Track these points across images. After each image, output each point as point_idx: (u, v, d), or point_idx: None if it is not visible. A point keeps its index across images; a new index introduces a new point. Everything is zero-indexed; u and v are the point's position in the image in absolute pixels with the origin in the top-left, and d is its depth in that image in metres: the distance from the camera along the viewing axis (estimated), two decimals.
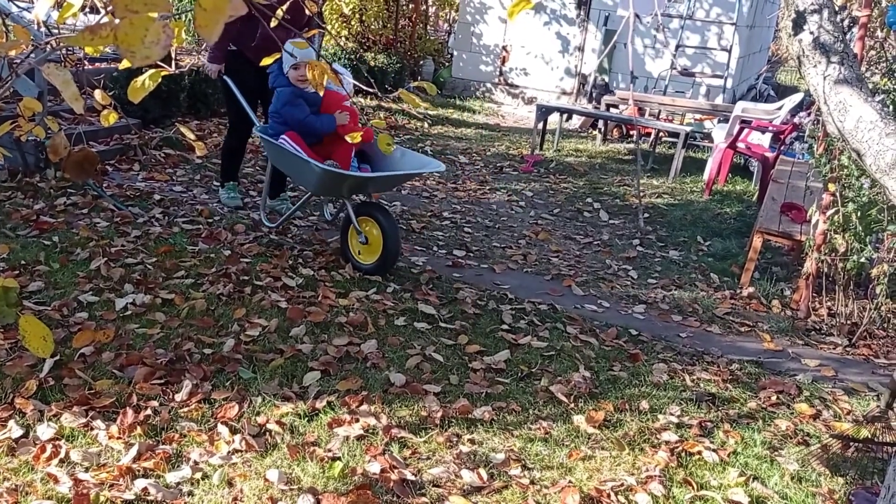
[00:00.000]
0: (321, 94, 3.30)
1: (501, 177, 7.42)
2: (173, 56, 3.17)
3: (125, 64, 1.53)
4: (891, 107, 4.91)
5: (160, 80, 1.61)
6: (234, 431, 2.75)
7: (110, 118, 1.81)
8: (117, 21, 0.77)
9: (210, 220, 4.91)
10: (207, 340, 3.37)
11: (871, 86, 4.70)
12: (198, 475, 2.50)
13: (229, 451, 2.64)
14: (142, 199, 5.17)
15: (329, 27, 11.04)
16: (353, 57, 10.35)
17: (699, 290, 4.85)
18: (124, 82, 5.50)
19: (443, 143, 8.56)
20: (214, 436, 2.72)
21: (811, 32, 1.98)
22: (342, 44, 11.09)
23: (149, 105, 6.58)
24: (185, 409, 2.85)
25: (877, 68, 6.25)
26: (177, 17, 4.43)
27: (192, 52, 9.37)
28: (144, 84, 1.60)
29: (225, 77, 4.92)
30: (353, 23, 11.69)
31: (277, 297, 3.87)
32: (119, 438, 2.64)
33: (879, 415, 2.94)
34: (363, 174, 4.42)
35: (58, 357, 3.08)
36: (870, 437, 2.98)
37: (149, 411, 2.80)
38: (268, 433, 2.79)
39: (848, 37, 4.65)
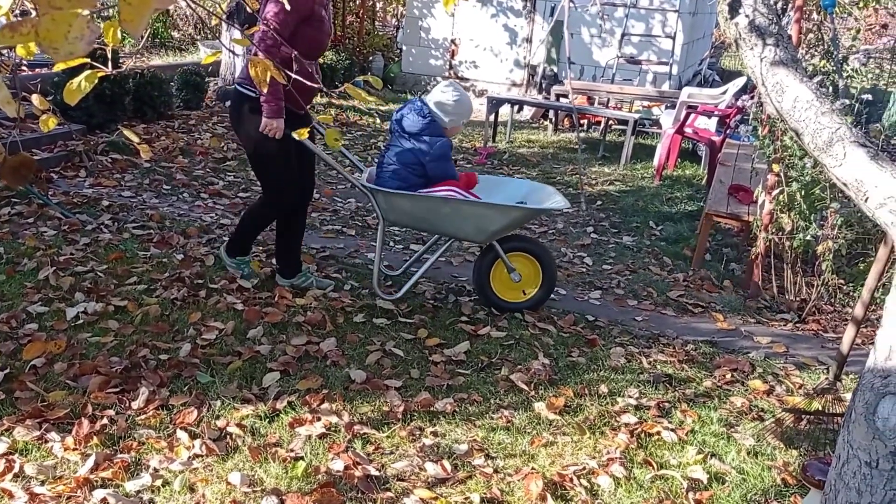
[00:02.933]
0: (265, 91, 3.07)
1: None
2: (110, 57, 3.06)
3: (60, 66, 1.50)
4: (830, 88, 5.05)
5: (97, 81, 1.58)
6: (193, 436, 2.72)
7: (49, 123, 1.77)
8: (39, 17, 0.75)
9: (161, 225, 4.83)
10: (163, 346, 3.32)
11: (811, 68, 4.82)
12: (158, 482, 2.47)
13: (190, 457, 2.61)
14: (89, 205, 5.06)
15: None
16: None
17: (653, 274, 4.93)
18: (64, 87, 5.08)
19: None
20: (174, 442, 2.68)
21: (747, 16, 2.03)
22: None
23: (93, 110, 6.44)
24: (143, 417, 2.81)
25: (816, 51, 6.41)
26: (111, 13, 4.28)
27: (133, 54, 9.20)
28: (80, 86, 1.57)
29: (304, 141, 3.59)
30: None
31: (233, 300, 3.82)
32: (75, 450, 2.58)
33: (828, 387, 3.03)
34: (544, 207, 4.09)
35: (8, 370, 3.00)
36: (820, 409, 3.07)
37: (105, 421, 2.75)
38: (228, 436, 2.76)
39: (785, 20, 4.76)
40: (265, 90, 1.91)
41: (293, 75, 1.75)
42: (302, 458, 2.66)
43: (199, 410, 2.87)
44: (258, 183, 4.18)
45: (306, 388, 3.11)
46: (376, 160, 4.14)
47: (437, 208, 3.81)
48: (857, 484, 2.07)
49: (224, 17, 8.12)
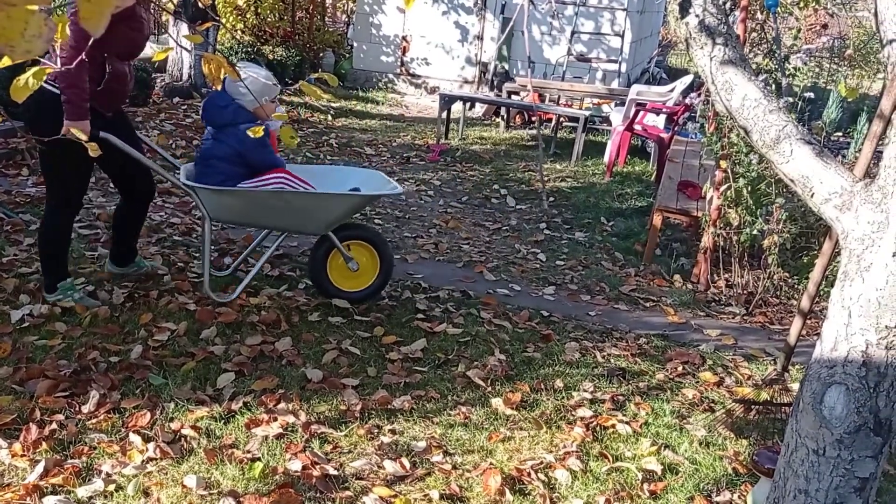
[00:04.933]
0: (218, 88, 2.91)
1: (409, 167, 7.43)
2: (58, 53, 2.96)
3: (5, 61, 1.46)
4: (773, 86, 5.17)
5: (45, 78, 1.54)
6: (147, 440, 2.67)
7: None
8: None
9: (108, 224, 4.72)
10: (113, 348, 3.25)
11: (754, 66, 4.93)
12: (111, 487, 2.42)
13: (143, 461, 2.56)
14: (33, 205, 4.92)
15: (223, 20, 10.76)
16: (250, 51, 10.13)
17: (605, 270, 5.00)
18: (7, 83, 4.74)
19: (347, 135, 8.50)
20: (126, 445, 2.63)
21: (696, 15, 2.07)
22: (238, 37, 10.83)
23: None
24: (94, 421, 2.74)
25: (759, 49, 6.56)
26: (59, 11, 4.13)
27: None
28: (28, 83, 1.53)
29: (106, 134, 3.35)
30: (248, 15, 11.43)
31: (185, 300, 3.76)
32: (23, 456, 2.52)
33: (776, 378, 3.11)
34: (380, 192, 3.98)
35: None
36: (769, 399, 3.15)
37: (54, 426, 2.68)
38: (183, 439, 2.72)
39: (731, 19, 4.86)
40: (218, 86, 1.88)
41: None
42: (259, 458, 2.63)
43: (153, 413, 2.82)
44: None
45: (262, 388, 3.08)
46: (196, 155, 3.84)
47: (269, 202, 3.61)
48: (805, 471, 2.13)
49: (172, 12, 7.97)
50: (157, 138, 6.85)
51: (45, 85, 3.33)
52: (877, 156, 2.07)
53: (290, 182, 3.69)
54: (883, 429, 2.03)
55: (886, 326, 1.94)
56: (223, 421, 2.85)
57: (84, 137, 2.99)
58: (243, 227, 4.57)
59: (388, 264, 3.98)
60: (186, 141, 6.98)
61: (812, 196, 2.05)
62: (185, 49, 6.81)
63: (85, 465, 2.52)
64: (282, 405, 2.97)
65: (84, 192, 3.68)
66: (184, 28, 8.23)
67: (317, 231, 3.78)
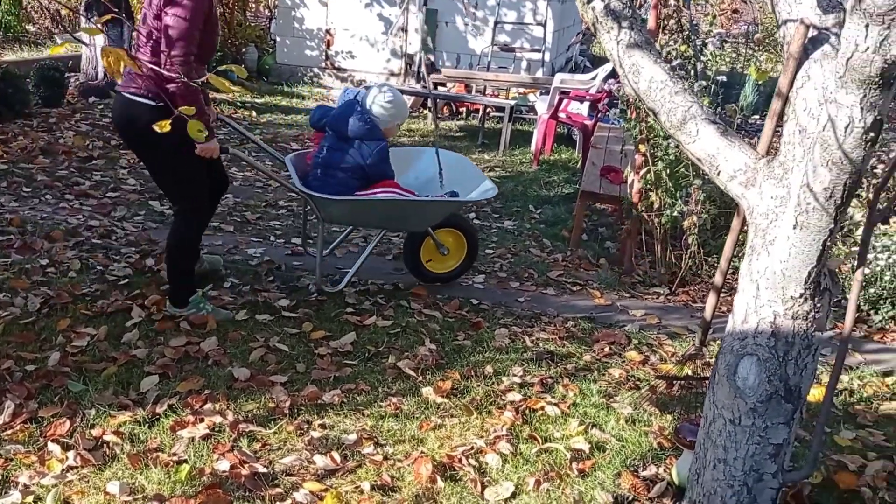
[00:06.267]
0: (119, 81, 2.82)
1: None
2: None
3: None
4: (692, 71, 5.31)
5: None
6: (67, 448, 2.59)
7: None
8: None
9: (22, 229, 4.55)
10: (29, 356, 3.14)
11: (675, 53, 5.05)
12: (29, 499, 2.34)
13: (63, 469, 2.48)
14: None
15: (139, 14, 10.45)
16: None
17: (534, 256, 5.06)
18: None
19: (273, 130, 8.37)
20: (45, 455, 2.55)
21: (602, 0, 2.11)
22: None
23: None
24: (10, 432, 2.65)
25: (679, 36, 6.72)
26: None
27: None
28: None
29: (232, 150, 3.60)
30: None
31: (105, 303, 3.66)
32: None
33: (696, 353, 3.21)
34: (473, 198, 4.32)
35: None
36: (690, 374, 3.25)
37: None
38: (105, 445, 2.65)
39: (645, 6, 4.97)
40: (119, 80, 1.81)
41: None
42: (185, 461, 2.58)
43: (72, 421, 2.74)
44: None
45: (187, 389, 3.02)
46: (315, 159, 4.11)
47: (379, 210, 3.96)
48: (723, 441, 2.21)
49: (81, 8, 7.71)
50: (74, 139, 6.63)
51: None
52: (778, 133, 2.15)
53: (397, 192, 3.96)
54: (793, 395, 2.12)
55: (792, 297, 2.02)
56: (147, 425, 2.79)
57: (216, 156, 3.40)
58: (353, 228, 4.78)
59: (474, 242, 4.36)
60: (104, 141, 6.75)
61: (718, 174, 2.12)
62: (84, 43, 6.56)
63: (1, 477, 2.43)
64: (208, 406, 2.92)
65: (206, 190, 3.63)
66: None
67: (420, 229, 4.13)
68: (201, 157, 3.38)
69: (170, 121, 1.73)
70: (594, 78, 8.17)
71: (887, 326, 4.17)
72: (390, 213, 4.00)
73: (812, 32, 1.98)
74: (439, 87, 9.70)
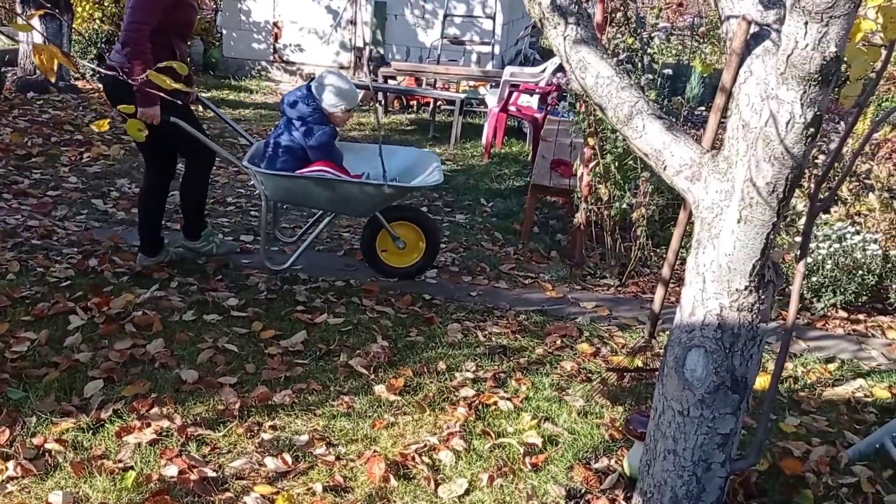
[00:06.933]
0: (53, 80, 2.82)
1: None
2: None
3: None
4: (639, 63, 5.36)
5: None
6: (6, 458, 2.51)
7: None
8: None
9: None
10: None
11: (623, 45, 5.09)
12: None
13: (2, 480, 2.40)
14: None
15: (79, 8, 10.16)
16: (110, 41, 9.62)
17: (486, 250, 5.06)
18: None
19: (221, 125, 8.21)
20: None
21: None
22: (97, 27, 10.27)
23: None
24: None
25: (626, 29, 6.79)
26: None
27: None
28: None
29: (174, 120, 3.79)
30: (107, 3, 10.83)
31: (46, 306, 3.55)
32: None
33: (645, 345, 3.25)
34: (421, 184, 4.27)
35: None
36: (640, 365, 3.29)
37: None
38: (47, 454, 2.57)
39: (591, 0, 4.99)
40: (53, 78, 1.75)
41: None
42: (132, 467, 2.52)
43: (12, 429, 2.65)
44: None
45: (133, 393, 2.95)
46: (267, 139, 4.30)
47: (316, 189, 4.03)
48: (672, 432, 2.23)
49: (17, 2, 7.46)
50: (11, 136, 6.42)
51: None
52: (723, 127, 2.18)
53: (330, 172, 4.01)
54: (739, 386, 2.15)
55: (737, 289, 2.04)
56: (91, 431, 2.71)
57: (156, 122, 3.63)
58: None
59: (435, 241, 4.35)
60: (43, 138, 6.56)
61: (665, 169, 2.14)
62: (13, 39, 6.36)
63: None
64: (155, 410, 2.85)
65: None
66: (35, 19, 7.72)
67: (365, 213, 4.22)
68: (189, 115, 3.86)
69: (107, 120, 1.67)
70: (543, 71, 8.21)
71: (829, 314, 4.28)
72: (330, 195, 4.04)
73: (754, 28, 2.00)
74: (389, 81, 9.64)
